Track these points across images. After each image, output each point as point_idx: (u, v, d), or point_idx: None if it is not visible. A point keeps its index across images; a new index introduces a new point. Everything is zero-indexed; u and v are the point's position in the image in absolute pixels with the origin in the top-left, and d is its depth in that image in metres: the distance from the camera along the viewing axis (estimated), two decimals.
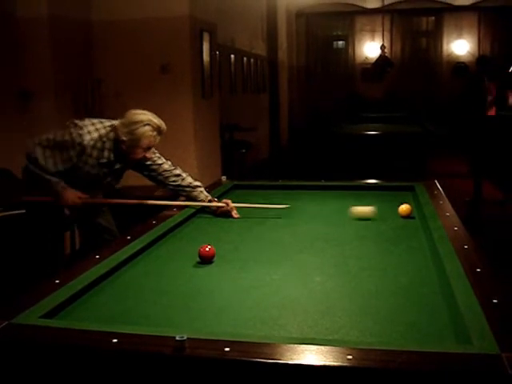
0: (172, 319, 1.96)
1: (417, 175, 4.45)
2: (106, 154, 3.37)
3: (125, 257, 2.51)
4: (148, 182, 5.47)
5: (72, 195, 3.39)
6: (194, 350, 1.58)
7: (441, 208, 3.25)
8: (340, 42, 18.25)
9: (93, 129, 3.34)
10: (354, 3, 17.03)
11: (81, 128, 3.32)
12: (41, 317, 1.85)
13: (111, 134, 3.35)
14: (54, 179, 3.36)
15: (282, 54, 14.60)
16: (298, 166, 10.94)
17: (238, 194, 4.01)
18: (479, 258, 2.34)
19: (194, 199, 3.52)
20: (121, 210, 3.83)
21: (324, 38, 18.14)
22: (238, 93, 10.58)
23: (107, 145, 3.36)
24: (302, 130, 16.05)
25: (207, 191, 3.59)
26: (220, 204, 3.46)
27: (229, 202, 3.45)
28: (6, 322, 1.77)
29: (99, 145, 3.34)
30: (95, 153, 3.34)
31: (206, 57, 6.74)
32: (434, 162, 10.19)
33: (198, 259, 2.53)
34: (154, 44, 6.22)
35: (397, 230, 3.05)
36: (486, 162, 7.82)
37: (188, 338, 1.58)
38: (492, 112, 7.80)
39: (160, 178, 3.57)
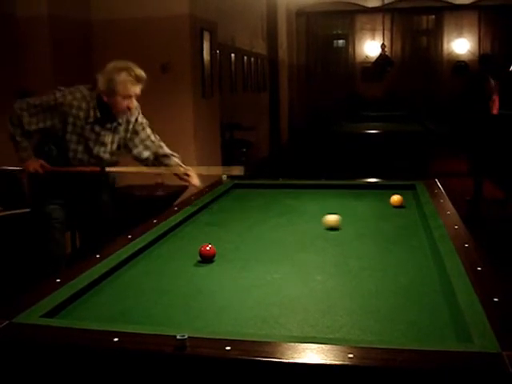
0: (173, 318, 1.96)
1: (417, 174, 4.45)
2: (91, 113, 3.40)
3: (125, 256, 2.51)
4: (148, 181, 5.48)
5: (35, 163, 3.43)
6: (195, 349, 1.58)
7: (441, 207, 3.25)
8: (340, 41, 18.27)
9: (75, 90, 3.41)
10: (355, 2, 17.04)
11: (64, 91, 3.41)
12: (42, 316, 1.85)
13: (94, 93, 3.40)
14: (23, 143, 3.44)
15: (283, 53, 14.61)
16: (298, 164, 10.94)
17: (239, 193, 4.01)
18: (480, 257, 2.34)
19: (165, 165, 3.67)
20: (123, 207, 3.82)
21: (324, 36, 18.15)
22: (238, 92, 10.57)
23: (92, 104, 3.40)
24: (302, 129, 16.06)
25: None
26: (182, 171, 3.63)
27: (190, 173, 3.61)
28: (7, 322, 1.77)
29: (84, 105, 3.38)
30: (82, 114, 3.38)
31: (206, 56, 6.74)
32: (435, 160, 10.19)
33: (198, 258, 2.53)
34: (154, 43, 6.21)
35: (397, 229, 3.05)
36: (487, 161, 7.82)
37: (189, 337, 1.58)
38: (495, 111, 7.81)
39: (143, 144, 3.62)
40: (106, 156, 3.56)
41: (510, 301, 1.88)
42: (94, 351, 1.65)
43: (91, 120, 3.41)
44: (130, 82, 3.32)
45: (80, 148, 3.46)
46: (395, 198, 3.51)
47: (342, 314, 1.94)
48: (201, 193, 3.89)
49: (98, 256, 2.47)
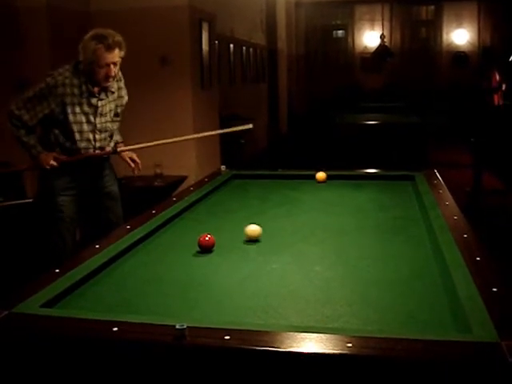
0: (172, 308, 1.97)
1: (416, 165, 4.45)
2: (84, 87, 3.42)
3: (124, 246, 2.51)
4: (147, 172, 5.48)
5: (47, 157, 3.42)
6: (194, 339, 1.58)
7: (440, 197, 3.25)
8: (339, 32, 18.21)
9: (64, 70, 3.43)
10: None
11: (53, 74, 3.42)
12: (41, 306, 1.86)
13: (81, 64, 3.42)
14: (31, 141, 3.43)
15: (282, 44, 14.57)
16: (297, 155, 10.93)
17: (238, 184, 4.01)
18: (479, 248, 2.35)
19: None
20: (122, 198, 3.81)
21: (323, 27, 18.08)
22: (237, 83, 10.55)
23: (82, 78, 3.42)
24: (301, 120, 16.04)
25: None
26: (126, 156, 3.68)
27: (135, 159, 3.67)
28: (7, 312, 1.77)
29: (76, 81, 3.41)
30: (76, 90, 3.40)
31: (205, 47, 6.72)
32: (434, 151, 10.18)
33: (197, 248, 2.53)
34: (153, 34, 6.19)
35: (397, 220, 3.05)
36: (487, 152, 7.83)
37: (188, 327, 1.58)
38: (500, 101, 7.83)
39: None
40: (109, 126, 3.58)
41: (508, 291, 1.88)
42: (93, 341, 1.66)
43: (86, 94, 3.43)
44: (103, 50, 3.33)
45: (84, 126, 3.46)
46: (320, 175, 3.95)
47: (341, 304, 1.95)
48: (200, 183, 3.89)
49: (97, 246, 2.47)
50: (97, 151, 3.54)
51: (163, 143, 3.68)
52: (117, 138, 3.75)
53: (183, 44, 6.26)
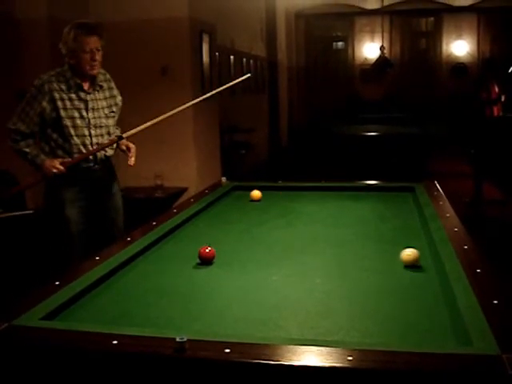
0: (172, 320, 1.96)
1: (417, 176, 4.45)
2: (71, 82, 3.47)
3: (125, 258, 2.51)
4: (148, 184, 5.48)
5: (52, 162, 3.42)
6: (195, 352, 1.58)
7: (441, 209, 3.25)
8: (339, 43, 18.26)
9: (49, 71, 3.50)
10: (354, 4, 17.03)
11: (38, 77, 3.48)
12: (41, 318, 1.85)
13: (66, 65, 3.49)
14: (33, 151, 3.45)
15: (282, 55, 14.61)
16: (297, 166, 10.94)
17: (238, 195, 4.01)
18: (479, 259, 2.34)
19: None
20: (125, 209, 3.82)
21: (323, 38, 18.13)
22: (237, 94, 10.57)
23: (68, 74, 3.47)
24: (301, 131, 16.06)
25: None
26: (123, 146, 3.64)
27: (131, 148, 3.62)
28: (7, 324, 1.77)
29: (62, 78, 3.47)
30: (64, 86, 3.46)
31: (205, 58, 6.74)
32: (434, 162, 10.20)
33: (197, 260, 2.53)
34: (154, 45, 6.22)
35: (397, 231, 3.05)
36: (487, 163, 7.84)
37: (188, 340, 1.58)
38: (499, 112, 7.86)
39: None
40: (104, 121, 3.60)
41: (509, 303, 1.88)
42: (93, 354, 1.65)
43: (74, 89, 3.48)
44: (83, 36, 3.40)
45: (78, 121, 3.48)
46: (255, 193, 3.85)
47: (341, 317, 1.94)
48: (200, 195, 3.89)
49: (97, 258, 2.47)
50: (95, 147, 3.54)
51: (165, 117, 3.69)
52: (117, 132, 3.77)
53: (184, 55, 6.29)
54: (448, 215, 3.11)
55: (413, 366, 1.50)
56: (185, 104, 3.83)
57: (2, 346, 1.71)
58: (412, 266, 2.41)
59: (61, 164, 3.41)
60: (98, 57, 3.47)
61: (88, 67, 3.45)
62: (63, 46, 3.45)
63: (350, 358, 1.51)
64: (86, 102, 3.51)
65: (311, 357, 1.54)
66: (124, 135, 3.60)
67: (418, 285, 2.24)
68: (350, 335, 1.79)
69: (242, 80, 4.25)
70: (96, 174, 3.58)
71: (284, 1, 14.48)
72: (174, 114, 3.73)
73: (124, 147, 3.63)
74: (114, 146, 3.65)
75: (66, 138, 3.47)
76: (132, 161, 3.58)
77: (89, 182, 3.55)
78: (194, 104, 3.96)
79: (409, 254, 2.43)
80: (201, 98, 4.06)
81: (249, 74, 4.20)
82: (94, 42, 3.43)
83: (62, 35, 3.45)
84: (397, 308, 2.01)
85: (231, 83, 4.21)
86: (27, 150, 3.44)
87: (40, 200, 3.73)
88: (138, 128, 3.60)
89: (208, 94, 4.11)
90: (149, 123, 3.63)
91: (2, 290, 3.86)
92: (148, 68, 6.25)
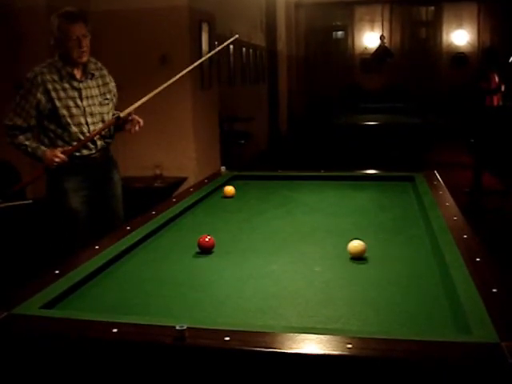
0: (172, 309, 1.97)
1: (416, 165, 4.45)
2: (63, 72, 3.48)
3: (124, 247, 2.51)
4: (147, 173, 5.47)
5: (53, 153, 3.42)
6: (194, 340, 1.58)
7: (440, 198, 3.25)
8: (339, 33, 18.23)
9: (41, 63, 3.52)
10: None
11: (31, 69, 3.49)
12: (41, 307, 1.86)
13: (56, 56, 3.52)
14: (32, 144, 3.46)
15: (282, 45, 14.57)
16: (297, 156, 10.93)
17: (238, 185, 4.01)
18: (479, 248, 2.35)
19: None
20: (124, 199, 3.82)
21: (323, 28, 18.10)
22: (236, 83, 10.55)
23: (59, 64, 3.49)
24: (301, 121, 16.04)
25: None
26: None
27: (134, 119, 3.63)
28: (6, 313, 1.77)
29: (53, 69, 3.48)
30: (56, 76, 3.47)
31: (204, 47, 6.72)
32: (434, 152, 10.19)
33: (197, 249, 2.53)
34: (153, 34, 6.19)
35: (396, 221, 3.05)
36: (487, 153, 7.83)
37: (188, 328, 1.58)
38: (500, 102, 7.85)
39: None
40: (98, 109, 3.60)
41: (508, 291, 1.88)
42: (93, 342, 1.65)
43: (67, 78, 3.49)
44: (66, 24, 3.42)
45: (73, 110, 3.48)
46: (228, 189, 3.65)
47: (341, 305, 1.95)
48: (200, 184, 3.89)
49: (96, 247, 2.47)
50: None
51: (160, 90, 3.72)
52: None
53: (183, 45, 6.26)
54: (447, 204, 3.11)
55: (412, 355, 1.51)
56: (175, 76, 3.88)
57: (2, 334, 1.71)
58: (358, 258, 2.40)
59: (62, 153, 3.41)
60: (85, 43, 3.47)
61: (76, 55, 3.45)
62: (51, 37, 3.47)
63: (350, 346, 1.51)
64: (79, 90, 3.52)
65: (311, 345, 1.55)
66: (121, 115, 3.59)
67: (417, 273, 2.24)
68: (349, 323, 1.80)
69: (231, 42, 4.30)
70: (97, 162, 3.58)
71: None
72: (167, 86, 3.82)
73: (129, 124, 3.64)
74: (113, 130, 3.66)
75: (64, 127, 3.47)
76: (133, 129, 3.62)
77: (90, 171, 3.56)
78: (186, 75, 3.95)
79: (355, 245, 2.43)
80: (188, 69, 4.06)
81: (236, 35, 4.25)
82: (78, 29, 3.43)
83: (49, 25, 3.47)
84: (396, 297, 2.02)
85: (220, 47, 4.25)
86: (27, 142, 3.44)
87: (39, 190, 3.73)
88: (134, 105, 3.60)
89: (196, 63, 4.12)
90: (144, 98, 3.65)
91: (1, 279, 3.87)
92: (147, 57, 6.23)
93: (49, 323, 1.75)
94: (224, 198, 3.64)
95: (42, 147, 3.45)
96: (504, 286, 1.91)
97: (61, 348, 1.68)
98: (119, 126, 3.68)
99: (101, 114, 3.61)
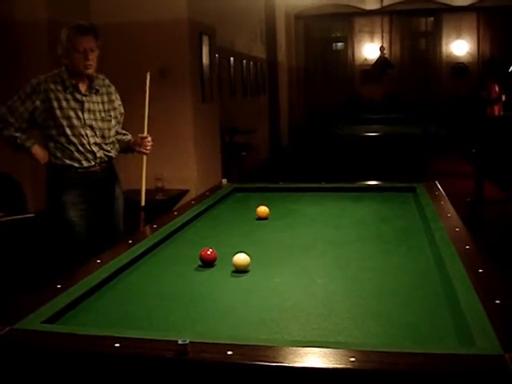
0: (174, 323, 1.96)
1: (417, 176, 4.45)
2: (68, 83, 3.51)
3: (126, 261, 2.50)
4: (148, 186, 5.46)
5: (44, 151, 3.52)
6: (197, 354, 1.57)
7: (442, 209, 3.25)
8: (339, 44, 18.28)
9: (47, 73, 3.57)
10: (353, 5, 17.03)
11: (35, 77, 3.55)
12: (43, 322, 1.85)
13: (62, 67, 3.55)
14: (22, 136, 3.50)
15: (282, 56, 14.62)
16: (298, 168, 10.93)
17: (239, 197, 4.01)
18: (481, 259, 2.34)
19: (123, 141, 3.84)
20: (125, 212, 3.82)
21: (323, 39, 18.17)
22: (237, 95, 10.58)
23: (64, 75, 3.52)
24: (302, 132, 16.05)
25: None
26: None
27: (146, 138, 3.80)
28: (9, 328, 1.77)
29: (58, 79, 3.51)
30: (59, 86, 3.50)
31: (205, 60, 6.74)
32: (435, 162, 10.18)
33: (199, 263, 2.53)
34: (153, 47, 6.21)
35: (398, 232, 3.05)
36: (488, 162, 7.83)
37: (190, 342, 1.58)
38: (500, 112, 7.88)
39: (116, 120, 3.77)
40: (99, 124, 3.62)
41: (511, 302, 1.87)
42: (95, 357, 1.65)
43: (70, 89, 3.51)
44: (77, 35, 3.46)
45: (74, 121, 3.51)
46: (262, 210, 3.39)
47: (343, 318, 1.94)
48: (201, 197, 3.88)
49: (98, 261, 2.47)
50: (93, 147, 3.58)
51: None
52: (128, 137, 3.87)
53: (183, 57, 6.29)
54: (449, 215, 3.10)
55: (416, 367, 1.50)
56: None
57: (4, 349, 1.71)
58: (242, 271, 2.42)
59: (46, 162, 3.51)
60: (92, 57, 3.50)
61: (82, 66, 3.48)
62: (59, 47, 3.50)
63: (353, 359, 1.51)
64: (82, 103, 3.54)
65: (314, 358, 1.54)
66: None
67: (420, 285, 2.23)
68: (352, 336, 1.79)
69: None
70: (97, 175, 3.58)
71: (283, 2, 14.49)
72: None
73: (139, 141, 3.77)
74: (118, 148, 3.70)
75: (64, 135, 3.50)
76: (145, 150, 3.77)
77: (90, 184, 3.56)
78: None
79: (241, 258, 2.43)
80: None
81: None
82: (86, 41, 3.47)
83: (60, 38, 3.50)
84: (399, 309, 2.01)
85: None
86: (16, 134, 3.48)
87: (41, 203, 3.73)
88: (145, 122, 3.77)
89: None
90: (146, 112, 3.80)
91: (3, 293, 3.86)
92: (147, 70, 6.24)
93: (51, 338, 1.74)
94: (258, 219, 3.39)
95: (32, 139, 3.51)
96: (507, 297, 1.91)
97: (63, 363, 1.67)
98: (130, 147, 3.73)
99: (101, 129, 3.62)
